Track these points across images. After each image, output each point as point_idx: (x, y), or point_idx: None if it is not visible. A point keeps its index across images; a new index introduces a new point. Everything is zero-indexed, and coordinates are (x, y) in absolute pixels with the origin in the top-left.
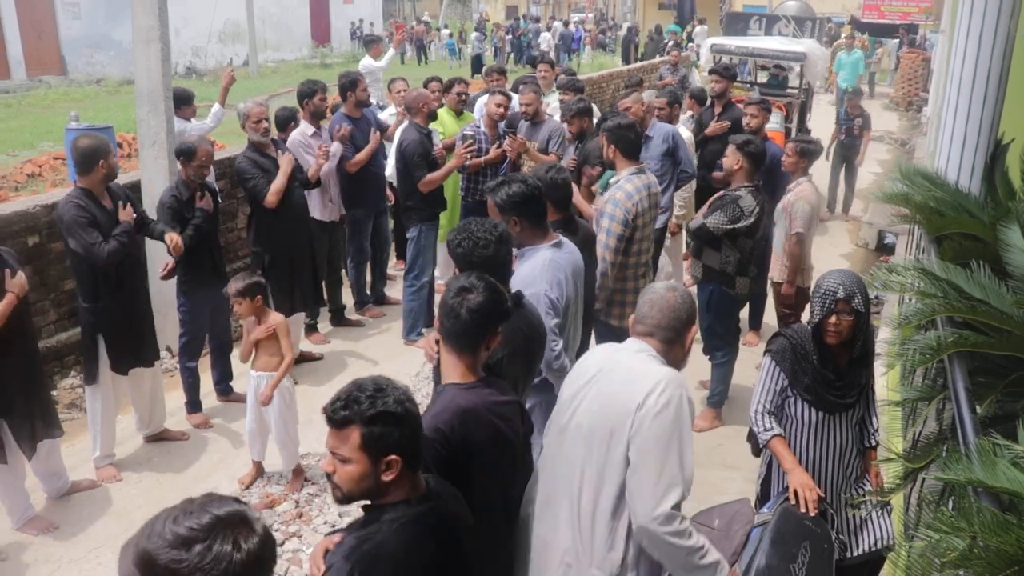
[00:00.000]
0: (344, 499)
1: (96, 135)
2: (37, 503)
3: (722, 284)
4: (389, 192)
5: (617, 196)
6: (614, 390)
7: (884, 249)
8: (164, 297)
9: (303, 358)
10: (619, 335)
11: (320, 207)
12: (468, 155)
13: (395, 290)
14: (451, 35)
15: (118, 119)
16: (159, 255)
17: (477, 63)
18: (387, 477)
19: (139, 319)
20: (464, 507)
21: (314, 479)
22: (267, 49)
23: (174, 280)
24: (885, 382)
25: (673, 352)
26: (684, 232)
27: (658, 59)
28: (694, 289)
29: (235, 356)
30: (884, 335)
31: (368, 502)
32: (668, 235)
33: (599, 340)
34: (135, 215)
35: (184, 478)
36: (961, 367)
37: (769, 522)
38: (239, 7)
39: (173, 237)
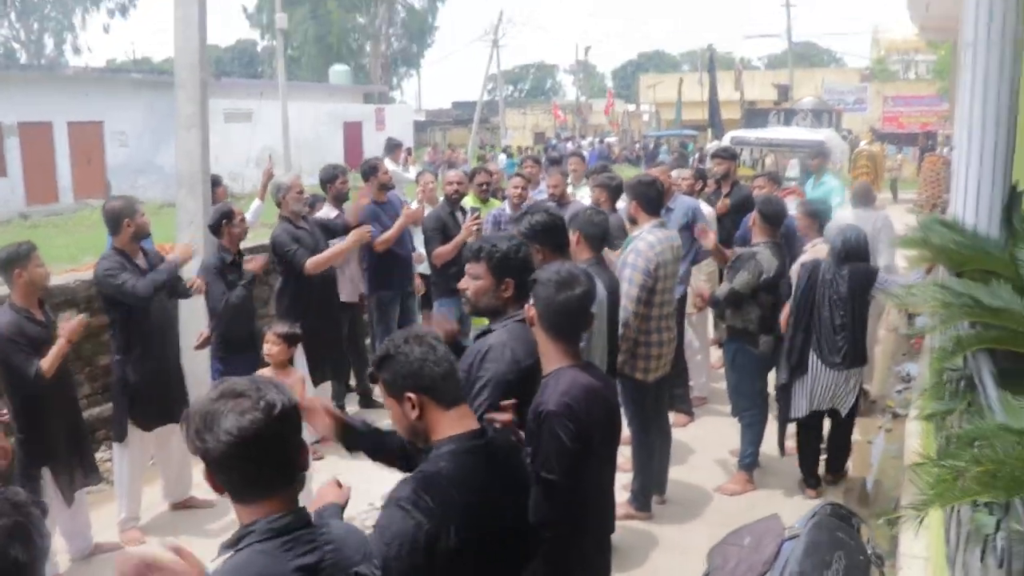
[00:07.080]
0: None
1: (123, 196)
2: (60, 563)
3: (745, 343)
4: (418, 280)
5: (639, 246)
6: None
7: (916, 331)
8: (196, 364)
9: None
10: (643, 389)
11: (340, 287)
12: (475, 228)
13: None
14: (480, 158)
15: (158, 235)
16: (192, 323)
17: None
18: (506, 293)
19: (168, 374)
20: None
21: None
22: (303, 174)
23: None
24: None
25: None
26: (710, 310)
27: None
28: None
29: None
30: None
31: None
32: (694, 309)
33: (623, 394)
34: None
35: (210, 544)
36: (984, 357)
37: (800, 535)
38: (276, 135)
39: (195, 281)
